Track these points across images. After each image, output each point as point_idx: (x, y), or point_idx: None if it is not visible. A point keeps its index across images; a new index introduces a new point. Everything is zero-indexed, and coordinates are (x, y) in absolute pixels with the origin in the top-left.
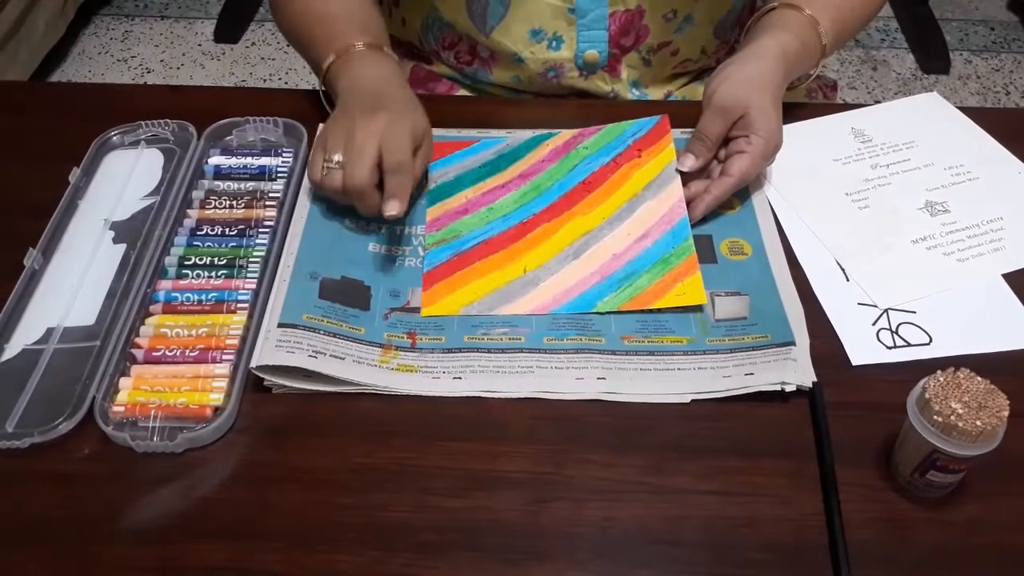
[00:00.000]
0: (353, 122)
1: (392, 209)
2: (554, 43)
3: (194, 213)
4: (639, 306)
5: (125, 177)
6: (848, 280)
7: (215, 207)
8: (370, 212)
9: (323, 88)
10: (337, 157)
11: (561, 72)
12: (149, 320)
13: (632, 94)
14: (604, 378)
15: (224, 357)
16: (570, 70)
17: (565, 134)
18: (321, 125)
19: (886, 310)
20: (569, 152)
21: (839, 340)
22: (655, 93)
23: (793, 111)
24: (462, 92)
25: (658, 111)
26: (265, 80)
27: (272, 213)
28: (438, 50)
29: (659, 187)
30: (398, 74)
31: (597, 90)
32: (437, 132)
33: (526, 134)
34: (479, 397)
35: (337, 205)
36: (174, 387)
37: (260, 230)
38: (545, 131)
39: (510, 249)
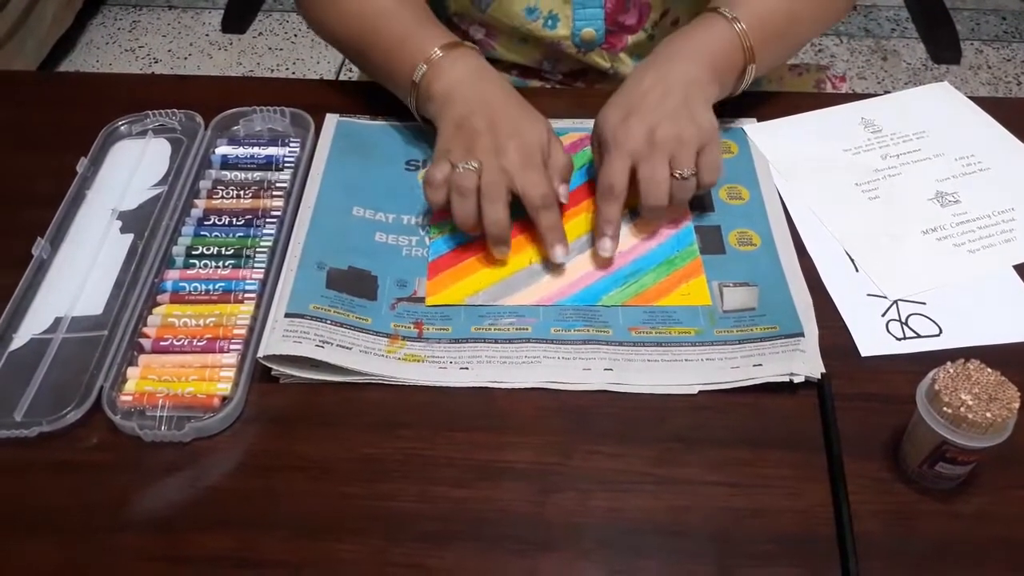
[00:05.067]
0: (477, 141)
1: (560, 256)
2: (550, 22)
3: (201, 203)
4: (644, 302)
5: (132, 167)
6: (858, 271)
7: (222, 197)
8: (495, 249)
9: (412, 101)
10: (474, 164)
11: (560, 50)
12: (157, 310)
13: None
14: (611, 369)
15: (231, 347)
16: (568, 48)
17: (572, 136)
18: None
19: (896, 301)
20: (576, 153)
21: (848, 331)
22: None
23: (802, 101)
24: None
25: None
26: (272, 70)
27: (279, 203)
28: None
29: None
30: (488, 67)
31: (597, 66)
32: None
33: None
34: (486, 387)
35: (344, 195)
36: (182, 376)
37: (267, 220)
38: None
39: (515, 240)
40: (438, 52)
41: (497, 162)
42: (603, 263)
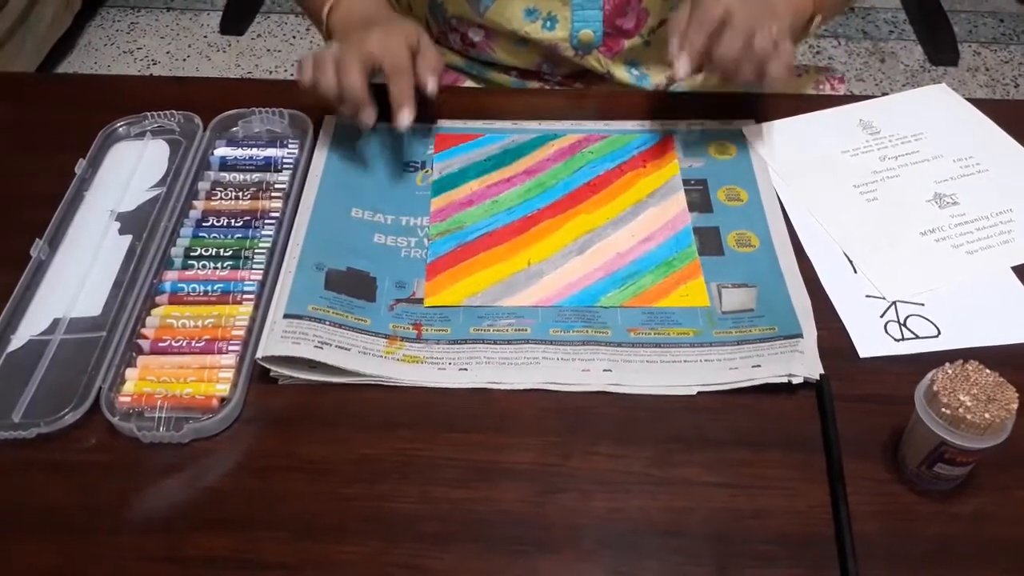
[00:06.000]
0: (348, 37)
1: (404, 120)
2: (548, 23)
3: (200, 204)
4: (642, 304)
5: (131, 168)
6: (856, 272)
7: (221, 198)
8: (360, 113)
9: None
10: (335, 45)
11: (557, 53)
12: (155, 311)
13: (631, 75)
14: (610, 370)
15: (230, 348)
16: (565, 50)
17: (570, 137)
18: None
19: (894, 302)
20: (574, 154)
21: (847, 332)
22: (656, 76)
23: (801, 103)
24: (468, 84)
25: (659, 101)
26: (271, 72)
27: (278, 204)
28: (445, 31)
29: (663, 196)
30: (386, 3)
31: (593, 70)
32: (442, 124)
33: (531, 133)
34: (485, 388)
35: (343, 196)
36: (180, 377)
37: (266, 221)
38: (551, 131)
39: (514, 242)
40: None
41: (359, 44)
42: (607, 265)
